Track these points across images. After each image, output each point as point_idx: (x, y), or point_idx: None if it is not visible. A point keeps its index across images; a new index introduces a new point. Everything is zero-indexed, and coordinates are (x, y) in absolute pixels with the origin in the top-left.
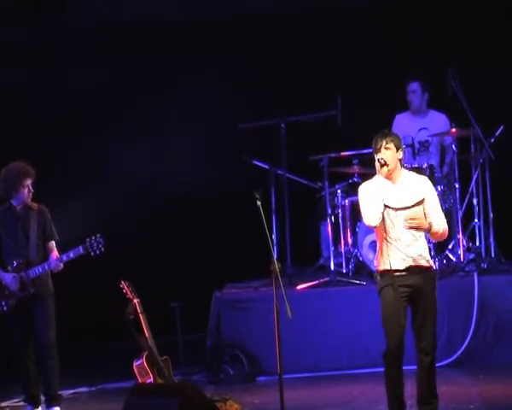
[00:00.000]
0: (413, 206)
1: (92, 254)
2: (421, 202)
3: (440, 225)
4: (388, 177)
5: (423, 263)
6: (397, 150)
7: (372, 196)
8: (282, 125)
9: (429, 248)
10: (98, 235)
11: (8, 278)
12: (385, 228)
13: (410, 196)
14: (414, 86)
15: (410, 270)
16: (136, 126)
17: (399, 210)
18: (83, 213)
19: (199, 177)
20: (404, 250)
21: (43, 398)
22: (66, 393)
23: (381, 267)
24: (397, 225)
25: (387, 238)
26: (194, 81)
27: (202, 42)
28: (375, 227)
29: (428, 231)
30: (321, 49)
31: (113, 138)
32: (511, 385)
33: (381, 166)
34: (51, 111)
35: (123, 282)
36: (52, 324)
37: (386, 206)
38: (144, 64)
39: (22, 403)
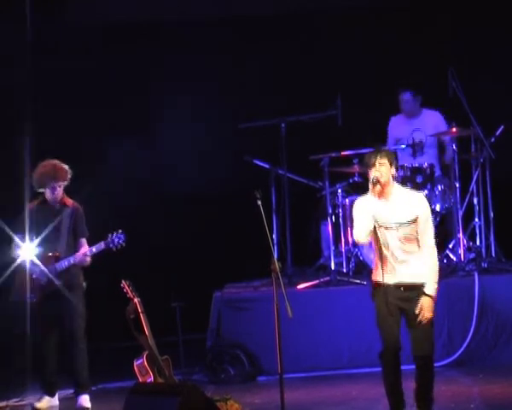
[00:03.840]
0: (407, 224)
1: (114, 249)
2: (414, 221)
3: (431, 273)
4: (381, 194)
5: (416, 280)
6: (390, 166)
7: (363, 213)
8: (283, 125)
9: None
10: (120, 230)
11: (38, 270)
12: (378, 243)
13: (403, 214)
14: (406, 96)
15: (402, 286)
16: (136, 126)
17: (390, 228)
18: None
19: (199, 177)
20: (396, 267)
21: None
22: (66, 393)
23: (375, 278)
24: (390, 243)
25: (381, 253)
26: (195, 81)
27: (203, 42)
28: (364, 243)
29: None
30: (321, 49)
31: (113, 138)
32: (511, 385)
33: (374, 185)
34: (51, 111)
35: (123, 281)
36: (79, 315)
37: (378, 224)
38: (144, 64)
39: (26, 402)
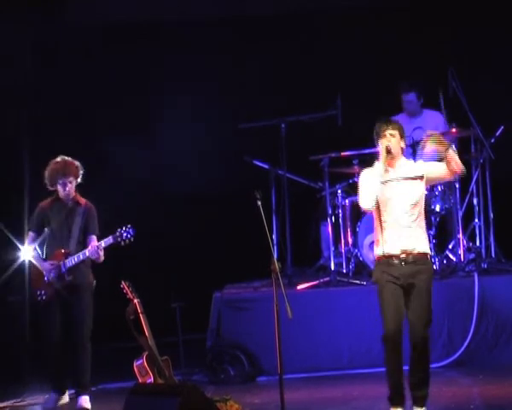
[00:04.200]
0: (411, 179)
1: (122, 243)
2: (420, 177)
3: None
4: (390, 164)
5: (419, 249)
6: (400, 138)
7: (369, 180)
8: (283, 125)
9: (429, 236)
10: (129, 225)
11: (47, 266)
12: (380, 207)
13: (408, 173)
14: (410, 97)
15: (404, 256)
16: (136, 126)
17: (396, 183)
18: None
19: (199, 177)
20: (400, 233)
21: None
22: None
23: (377, 253)
24: (395, 206)
25: (383, 223)
26: (195, 81)
27: (203, 42)
28: (370, 210)
29: (446, 151)
30: (321, 49)
31: (114, 138)
32: (511, 385)
33: (387, 152)
34: (51, 111)
35: (123, 282)
36: (88, 314)
37: (383, 182)
38: (144, 64)
39: (26, 403)
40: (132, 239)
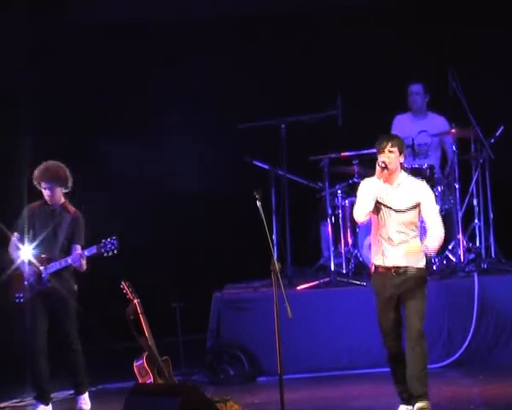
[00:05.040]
0: (407, 209)
1: (105, 254)
2: (415, 207)
3: (433, 240)
4: (387, 179)
5: (412, 264)
6: (399, 154)
7: (366, 193)
8: (283, 126)
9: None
10: (114, 237)
11: (28, 270)
12: (378, 225)
13: (404, 200)
14: (416, 88)
15: (397, 268)
16: (135, 126)
17: (393, 211)
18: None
19: (199, 177)
20: (394, 250)
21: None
22: (66, 393)
23: (373, 261)
24: (389, 225)
25: (380, 235)
26: (195, 81)
27: (202, 42)
28: (362, 222)
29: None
30: (321, 49)
31: (113, 138)
32: (511, 385)
33: (382, 169)
34: (50, 111)
35: (123, 282)
36: (72, 320)
37: (380, 204)
38: (144, 63)
39: (26, 403)
40: (116, 251)
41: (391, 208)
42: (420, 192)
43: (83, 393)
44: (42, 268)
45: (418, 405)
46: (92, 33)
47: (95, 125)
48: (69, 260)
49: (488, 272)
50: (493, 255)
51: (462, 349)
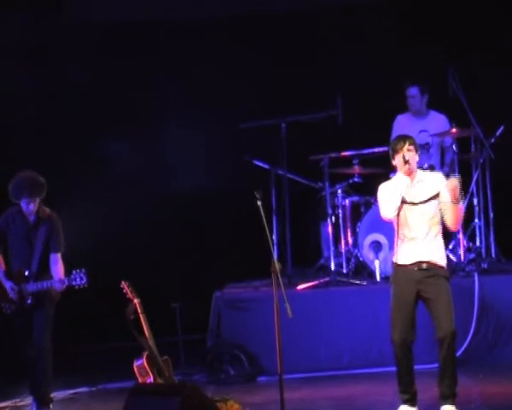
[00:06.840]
0: (428, 200)
1: (76, 287)
2: (435, 196)
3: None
4: (408, 174)
5: (435, 261)
6: (415, 153)
7: (391, 191)
8: (283, 125)
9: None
10: (83, 270)
11: (8, 286)
12: (400, 224)
13: (425, 192)
14: (413, 91)
15: (421, 263)
16: (135, 126)
17: (414, 205)
18: (81, 213)
19: (199, 177)
20: (416, 245)
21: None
22: (66, 393)
23: (395, 260)
24: (411, 222)
25: (402, 234)
26: (195, 80)
27: (202, 42)
28: (391, 220)
29: (455, 202)
30: (321, 48)
31: (112, 138)
32: (511, 384)
33: (405, 163)
34: (47, 111)
35: (123, 282)
36: (47, 328)
37: (403, 201)
38: (144, 63)
39: (26, 403)
40: (85, 285)
41: (412, 203)
42: (439, 182)
43: (45, 409)
44: (22, 287)
45: (445, 407)
46: (91, 33)
47: (93, 124)
48: (52, 283)
49: (488, 272)
50: (493, 255)
51: (462, 349)
